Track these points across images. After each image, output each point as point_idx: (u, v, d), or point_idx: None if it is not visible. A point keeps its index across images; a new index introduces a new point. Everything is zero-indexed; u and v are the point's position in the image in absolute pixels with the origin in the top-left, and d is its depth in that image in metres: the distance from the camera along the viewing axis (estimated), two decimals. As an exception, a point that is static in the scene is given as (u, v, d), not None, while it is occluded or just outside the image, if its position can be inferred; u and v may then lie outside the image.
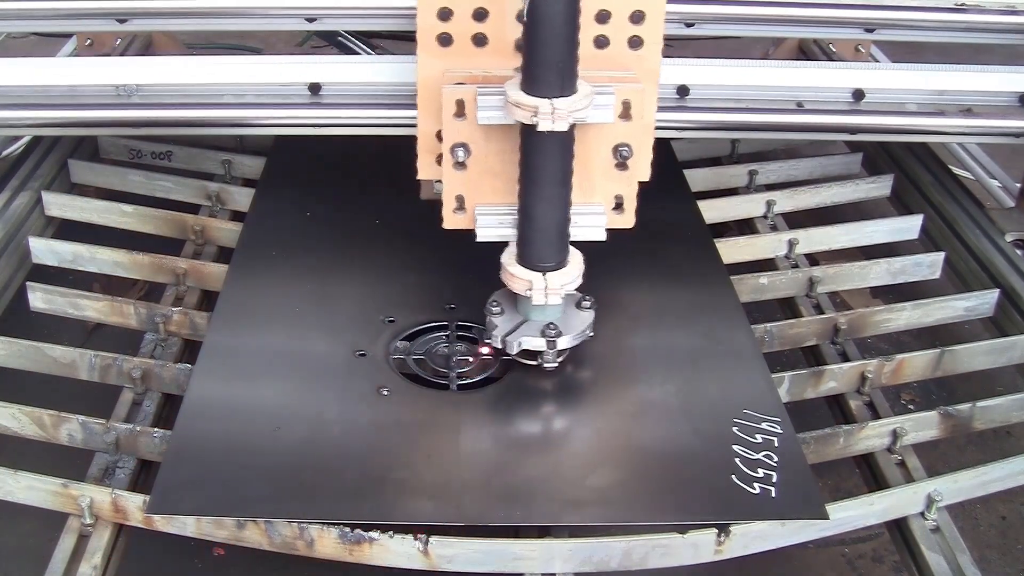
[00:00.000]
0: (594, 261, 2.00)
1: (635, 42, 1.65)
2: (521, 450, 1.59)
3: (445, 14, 1.61)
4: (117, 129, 2.25)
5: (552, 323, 1.69)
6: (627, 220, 1.70)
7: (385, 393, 1.67)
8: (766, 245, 2.27)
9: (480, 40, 1.64)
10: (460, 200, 1.67)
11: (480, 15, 1.62)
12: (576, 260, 1.69)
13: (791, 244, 2.26)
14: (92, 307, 1.97)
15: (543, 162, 1.55)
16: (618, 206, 1.69)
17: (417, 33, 1.64)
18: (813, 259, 2.28)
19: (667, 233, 2.14)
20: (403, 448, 1.58)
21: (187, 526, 1.47)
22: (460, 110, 1.59)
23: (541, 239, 1.63)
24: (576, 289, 1.71)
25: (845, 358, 1.96)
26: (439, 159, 1.68)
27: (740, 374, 1.74)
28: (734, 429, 1.61)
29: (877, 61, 2.92)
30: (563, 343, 1.69)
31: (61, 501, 1.52)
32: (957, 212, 2.35)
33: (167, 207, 2.28)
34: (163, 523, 1.48)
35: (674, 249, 2.09)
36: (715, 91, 2.08)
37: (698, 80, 2.06)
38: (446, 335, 1.82)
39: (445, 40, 1.63)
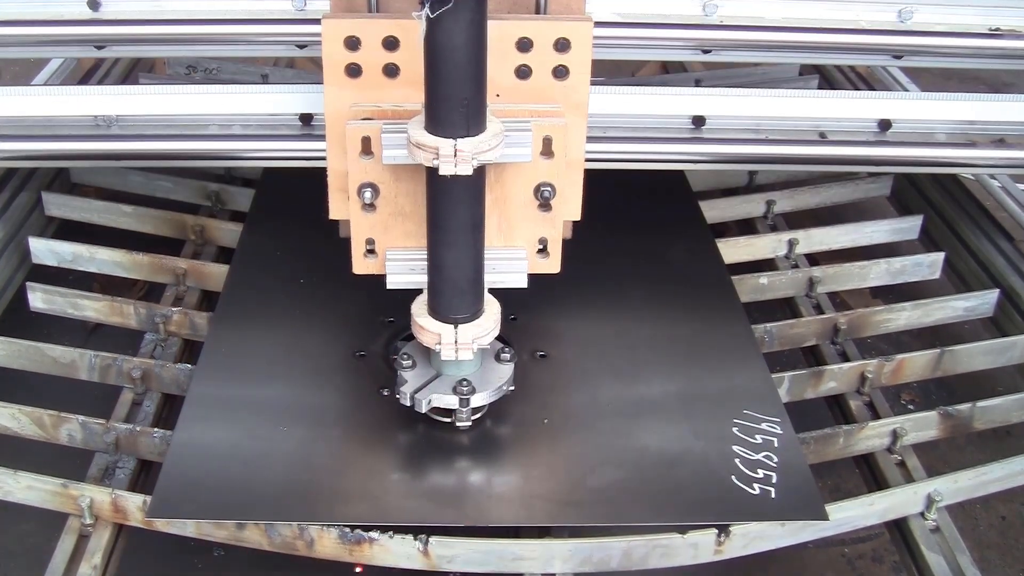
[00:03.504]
0: (595, 261, 2.01)
1: (560, 72, 1.47)
2: (522, 450, 1.59)
3: (353, 43, 1.44)
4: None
5: (465, 379, 1.55)
6: (552, 265, 1.55)
7: (385, 394, 1.67)
8: (766, 245, 2.27)
9: (391, 71, 1.46)
10: (370, 243, 1.53)
11: (391, 44, 1.44)
12: (492, 310, 1.53)
13: (791, 244, 2.26)
14: (92, 307, 1.97)
15: (450, 207, 1.40)
16: (542, 249, 1.54)
17: (323, 63, 1.47)
18: (813, 259, 2.28)
19: (668, 233, 2.14)
20: (403, 448, 1.58)
21: (187, 526, 1.47)
22: (366, 148, 1.43)
23: (451, 289, 1.47)
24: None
25: (845, 358, 1.97)
26: None
27: (740, 375, 1.74)
28: (734, 429, 1.61)
29: (896, 81, 2.83)
30: (477, 401, 1.56)
31: (61, 501, 1.53)
32: (957, 212, 2.35)
33: (167, 207, 2.28)
34: (163, 524, 1.48)
35: (674, 249, 2.09)
36: (733, 122, 1.98)
37: (715, 111, 1.96)
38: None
39: (354, 71, 1.46)
